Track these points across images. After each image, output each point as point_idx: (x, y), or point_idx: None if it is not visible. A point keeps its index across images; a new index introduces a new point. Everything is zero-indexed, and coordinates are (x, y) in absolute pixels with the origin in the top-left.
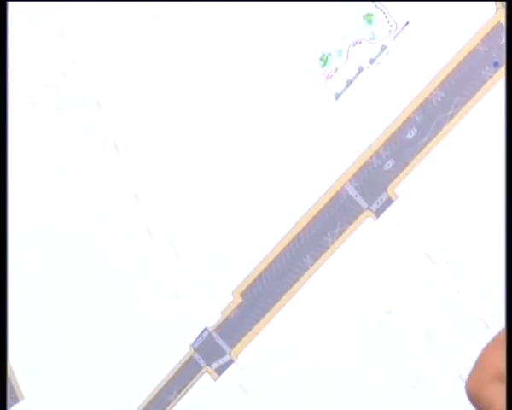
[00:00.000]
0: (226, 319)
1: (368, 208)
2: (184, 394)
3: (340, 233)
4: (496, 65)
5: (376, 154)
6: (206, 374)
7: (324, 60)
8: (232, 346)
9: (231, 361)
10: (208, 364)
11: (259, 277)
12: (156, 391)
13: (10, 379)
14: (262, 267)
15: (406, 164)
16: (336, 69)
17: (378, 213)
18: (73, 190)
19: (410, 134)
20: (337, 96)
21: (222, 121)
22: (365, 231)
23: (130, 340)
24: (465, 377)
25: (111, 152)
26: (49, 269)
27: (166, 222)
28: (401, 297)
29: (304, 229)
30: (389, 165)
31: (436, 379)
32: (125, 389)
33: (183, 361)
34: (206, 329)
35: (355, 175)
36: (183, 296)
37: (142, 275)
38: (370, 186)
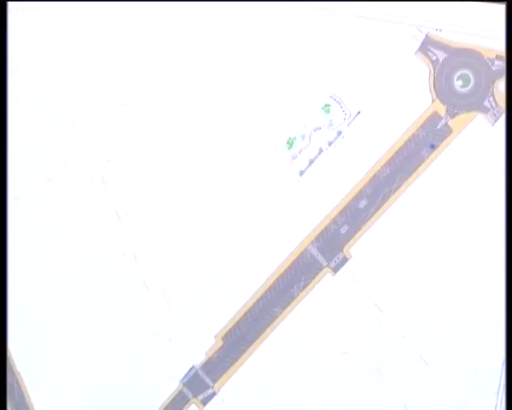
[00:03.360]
0: (210, 358)
1: (327, 266)
2: None
3: (304, 286)
4: (432, 146)
5: (334, 220)
6: (194, 405)
7: (290, 143)
8: (215, 381)
9: (214, 394)
10: (195, 396)
11: (237, 324)
12: None
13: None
14: (239, 316)
15: (359, 229)
16: (300, 151)
17: (335, 270)
18: (82, 251)
19: (362, 204)
20: (301, 172)
21: (206, 195)
22: (325, 285)
23: (130, 375)
24: (409, 406)
25: (113, 220)
26: (65, 318)
27: (161, 279)
28: (355, 340)
29: (274, 283)
30: (344, 229)
31: (384, 408)
32: None
33: (173, 394)
34: (193, 367)
35: (316, 238)
36: (175, 341)
37: (139, 323)
38: (329, 247)
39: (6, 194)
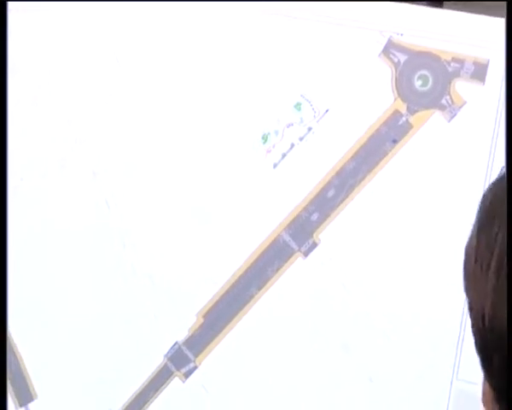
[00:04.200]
0: (192, 335)
1: (298, 250)
2: (160, 392)
3: (278, 269)
4: (394, 141)
5: (305, 209)
6: (177, 377)
7: (265, 138)
8: (196, 355)
9: (195, 367)
10: (178, 369)
11: (216, 303)
12: (138, 391)
13: (25, 379)
14: (219, 296)
15: (327, 216)
16: (274, 145)
17: (306, 254)
18: (73, 240)
19: (330, 193)
20: (275, 165)
21: (188, 186)
22: (296, 267)
23: (117, 350)
24: (374, 379)
25: (103, 209)
26: (58, 297)
27: (147, 263)
28: (323, 316)
29: (250, 265)
30: (314, 217)
31: (350, 382)
32: (113, 390)
33: (158, 368)
34: (176, 343)
35: (289, 225)
36: (160, 318)
37: (127, 302)
38: (300, 233)
39: (6, 187)
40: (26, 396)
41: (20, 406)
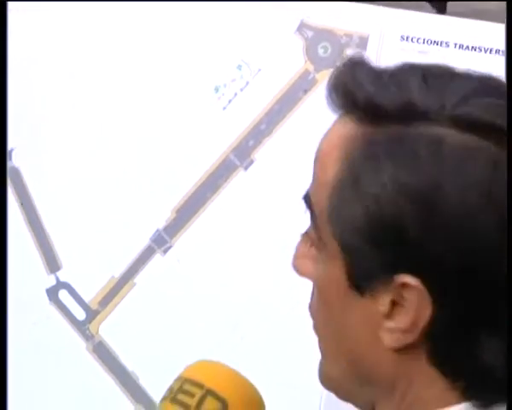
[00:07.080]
0: (168, 224)
1: (240, 165)
2: (146, 264)
3: (227, 178)
4: (305, 91)
5: (244, 138)
6: (158, 254)
7: (216, 89)
8: (171, 238)
9: (171, 246)
10: (159, 248)
11: (185, 202)
12: (132, 262)
13: (53, 252)
14: (186, 197)
15: (260, 142)
16: (223, 94)
17: (246, 168)
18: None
19: (262, 127)
20: (224, 108)
21: (153, 123)
22: (239, 178)
23: (120, 235)
24: (285, 247)
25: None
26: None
27: (139, 181)
28: (257, 206)
29: (208, 176)
30: (251, 143)
31: (268, 249)
32: (115, 262)
33: (146, 247)
34: (157, 230)
35: (234, 149)
36: (146, 213)
37: (126, 206)
38: (241, 154)
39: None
40: (54, 266)
41: (51, 273)
